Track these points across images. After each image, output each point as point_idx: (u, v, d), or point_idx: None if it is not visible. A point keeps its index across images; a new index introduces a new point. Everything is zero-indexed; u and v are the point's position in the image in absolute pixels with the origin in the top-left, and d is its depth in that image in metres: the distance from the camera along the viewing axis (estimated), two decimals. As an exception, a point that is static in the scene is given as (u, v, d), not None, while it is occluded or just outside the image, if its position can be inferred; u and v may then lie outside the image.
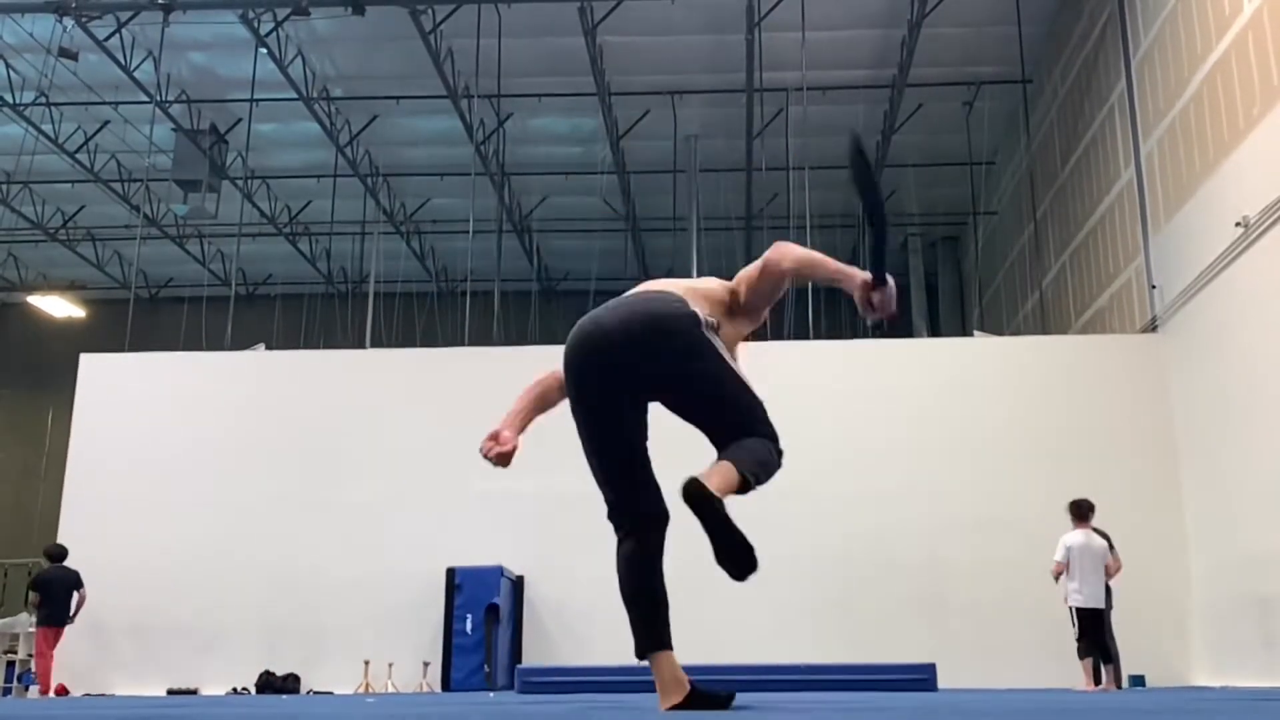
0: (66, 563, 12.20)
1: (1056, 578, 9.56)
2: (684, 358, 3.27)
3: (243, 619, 12.54)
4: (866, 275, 3.13)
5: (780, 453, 3.24)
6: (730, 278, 3.56)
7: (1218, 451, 11.30)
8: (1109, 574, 9.77)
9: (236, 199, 19.01)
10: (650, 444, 3.41)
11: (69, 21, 14.07)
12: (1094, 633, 9.48)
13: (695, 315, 3.28)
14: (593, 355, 3.32)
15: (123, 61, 15.22)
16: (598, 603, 12.18)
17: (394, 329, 21.79)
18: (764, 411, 3.29)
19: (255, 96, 16.34)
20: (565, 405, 3.55)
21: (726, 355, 3.30)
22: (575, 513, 12.77)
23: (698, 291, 3.45)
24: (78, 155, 17.90)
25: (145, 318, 18.90)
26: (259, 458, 13.05)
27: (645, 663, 3.26)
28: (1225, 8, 10.74)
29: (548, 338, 20.79)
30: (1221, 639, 11.25)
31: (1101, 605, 9.49)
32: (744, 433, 3.21)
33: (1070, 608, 9.48)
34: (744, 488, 3.10)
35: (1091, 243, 15.00)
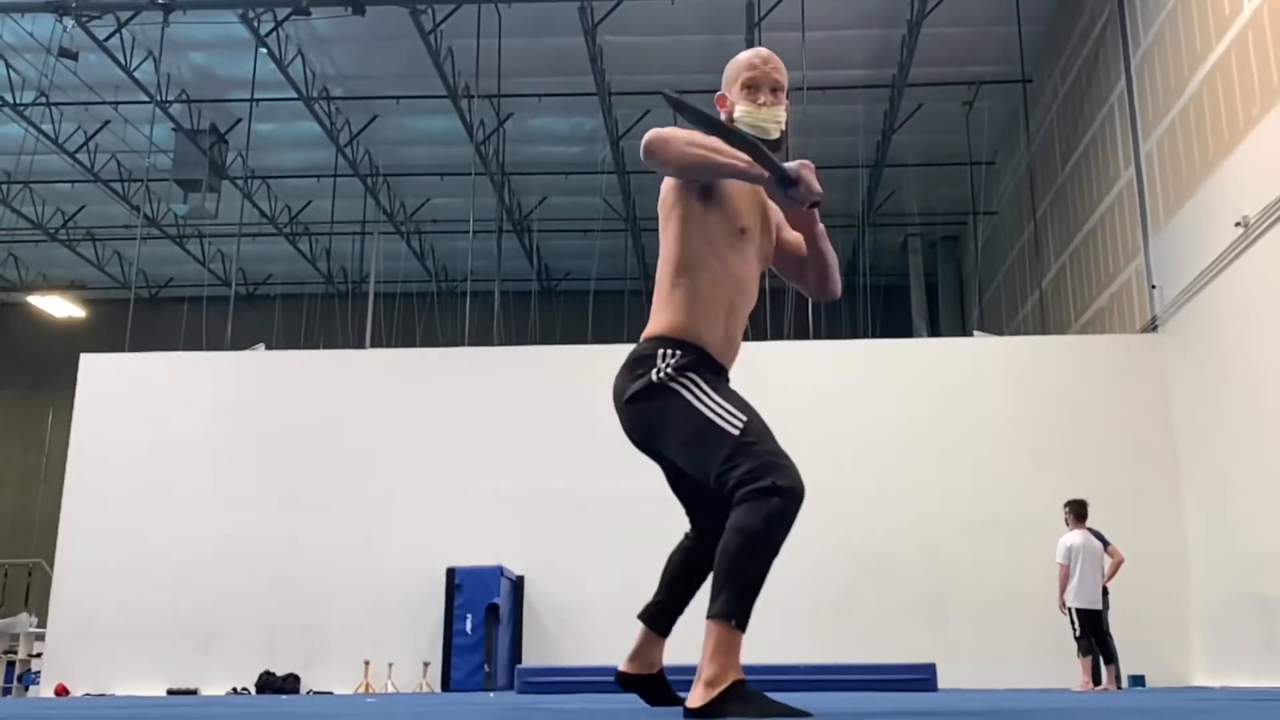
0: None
1: (1064, 581, 9.55)
2: (639, 435, 3.08)
3: (243, 619, 12.54)
4: (764, 173, 2.88)
5: (782, 488, 2.74)
6: None
7: (1218, 451, 11.29)
8: (1112, 570, 9.83)
9: (236, 199, 19.01)
10: None
11: (69, 21, 14.07)
12: (1092, 632, 9.50)
13: (632, 372, 3.03)
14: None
15: (123, 61, 15.22)
16: (598, 603, 12.27)
17: (394, 329, 21.81)
18: (741, 441, 2.83)
19: (255, 96, 16.35)
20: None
21: (681, 393, 2.94)
22: (575, 513, 12.88)
23: (659, 283, 3.13)
24: (78, 155, 17.89)
25: (145, 318, 18.92)
26: (259, 458, 13.05)
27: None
28: (1225, 8, 10.74)
29: (548, 338, 20.81)
30: (1221, 639, 11.25)
31: (1098, 606, 9.52)
32: (722, 486, 2.82)
33: (1069, 608, 9.50)
34: (739, 623, 2.72)
35: (1091, 243, 15.00)
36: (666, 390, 2.96)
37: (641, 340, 3.09)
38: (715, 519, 2.90)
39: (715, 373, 3.04)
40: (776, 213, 3.31)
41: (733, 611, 2.71)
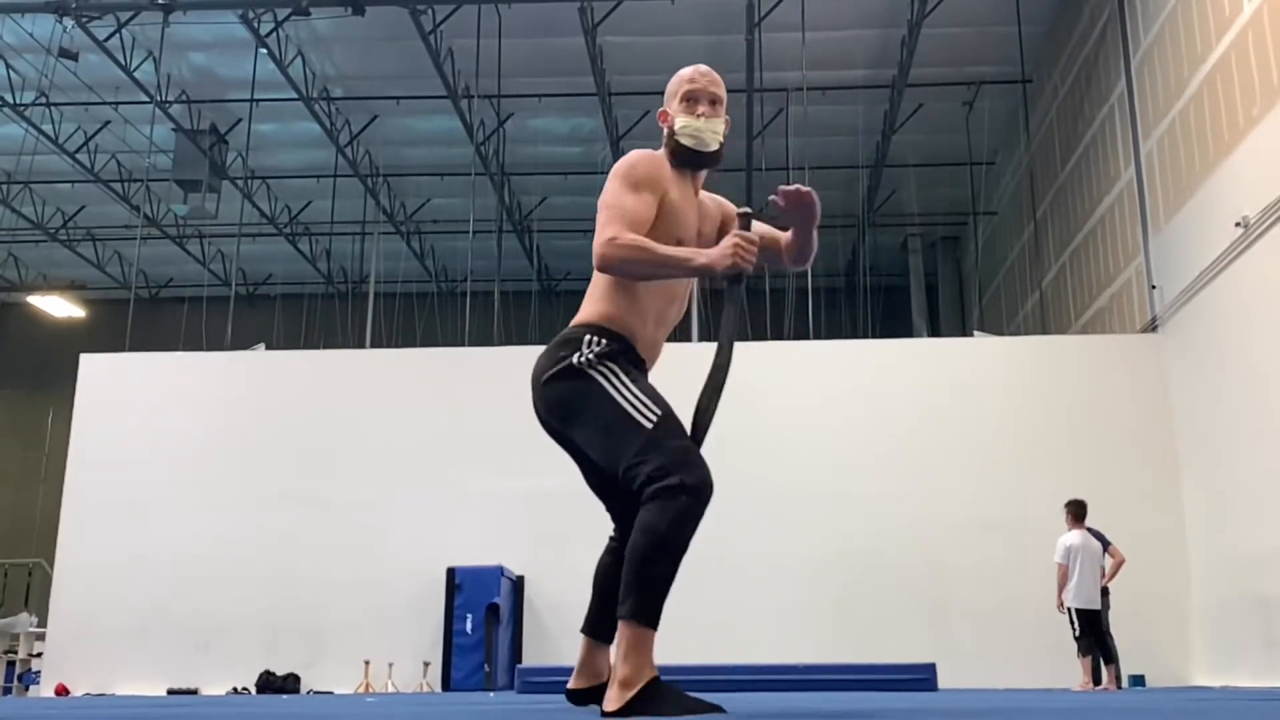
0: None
1: (1063, 581, 9.55)
2: (552, 418, 3.10)
3: (243, 619, 12.54)
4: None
5: (689, 486, 2.77)
6: None
7: (1218, 451, 11.30)
8: (1113, 570, 9.83)
9: (236, 199, 19.01)
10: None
11: (69, 21, 14.07)
12: (1092, 632, 9.51)
13: (554, 354, 3.07)
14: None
15: (123, 61, 15.22)
16: (598, 603, 12.26)
17: (394, 329, 21.79)
18: (652, 436, 2.85)
19: (255, 96, 16.34)
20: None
21: (599, 380, 2.96)
22: (575, 512, 12.77)
23: (596, 276, 3.16)
24: (78, 155, 17.89)
25: (145, 318, 18.90)
26: (259, 457, 13.05)
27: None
28: (1225, 8, 10.74)
29: (548, 337, 20.72)
30: (1221, 639, 11.25)
31: (1096, 605, 9.52)
32: (630, 482, 2.85)
33: (1068, 608, 9.51)
34: (650, 623, 2.77)
35: (1091, 243, 15.01)
36: (584, 376, 2.99)
37: (569, 326, 3.13)
38: (634, 513, 2.92)
39: (636, 366, 3.07)
40: (718, 220, 3.34)
41: (642, 612, 2.76)
